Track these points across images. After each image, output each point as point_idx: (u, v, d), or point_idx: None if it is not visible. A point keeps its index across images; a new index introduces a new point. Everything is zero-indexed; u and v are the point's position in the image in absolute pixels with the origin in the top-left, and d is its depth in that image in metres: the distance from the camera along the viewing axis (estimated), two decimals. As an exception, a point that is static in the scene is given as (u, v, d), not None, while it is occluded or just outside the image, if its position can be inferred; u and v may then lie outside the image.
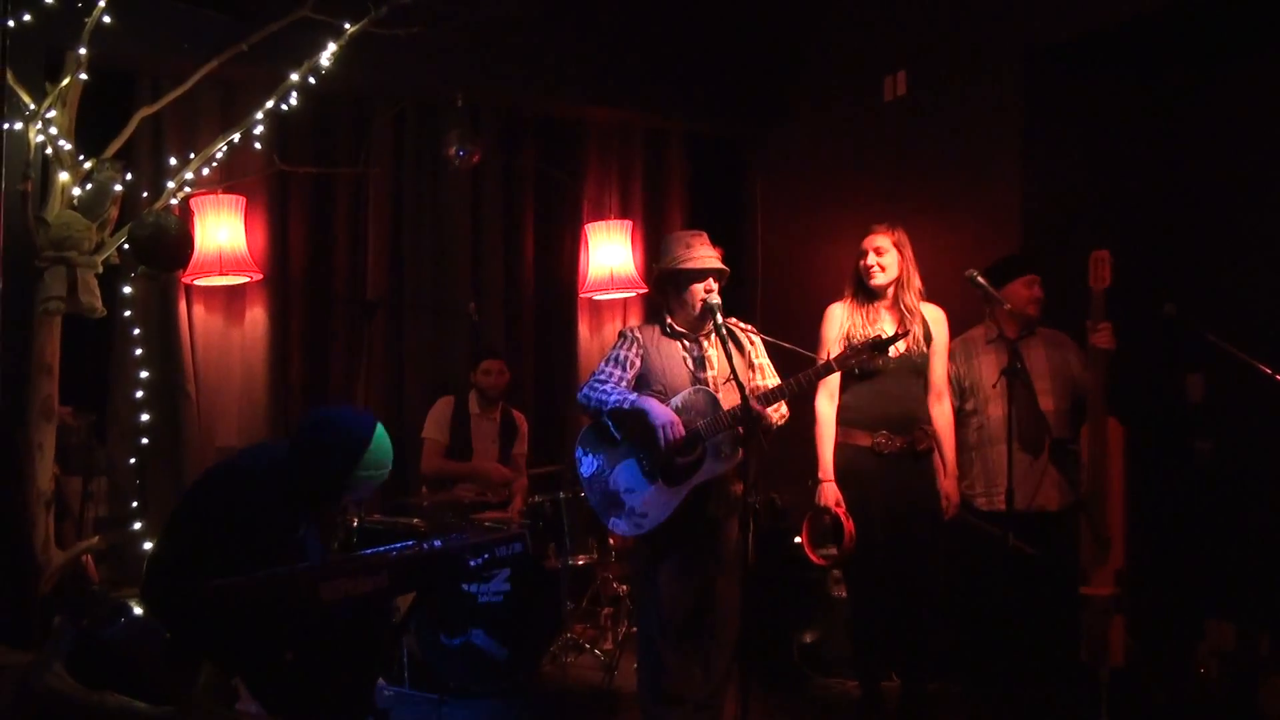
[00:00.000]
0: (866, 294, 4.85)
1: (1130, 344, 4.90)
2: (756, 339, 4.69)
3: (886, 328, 4.74)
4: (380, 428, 4.01)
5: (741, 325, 4.67)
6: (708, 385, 4.51)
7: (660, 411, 4.36)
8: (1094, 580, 4.67)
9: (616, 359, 4.61)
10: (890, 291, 4.83)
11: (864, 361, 4.40)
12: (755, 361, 4.66)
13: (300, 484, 3.98)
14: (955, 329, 5.03)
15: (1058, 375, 5.09)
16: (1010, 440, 4.52)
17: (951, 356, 5.03)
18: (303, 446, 4.01)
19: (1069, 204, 5.80)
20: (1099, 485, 4.72)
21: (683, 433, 4.34)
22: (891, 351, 4.56)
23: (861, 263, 4.82)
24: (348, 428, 3.99)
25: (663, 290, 4.70)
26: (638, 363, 4.59)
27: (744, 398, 4.16)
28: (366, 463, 3.95)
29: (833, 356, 4.40)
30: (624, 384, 4.54)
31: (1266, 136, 5.46)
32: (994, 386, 4.92)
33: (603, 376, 4.56)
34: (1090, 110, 5.84)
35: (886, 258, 4.78)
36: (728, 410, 4.36)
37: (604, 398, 4.47)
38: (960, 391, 5.20)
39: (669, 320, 4.65)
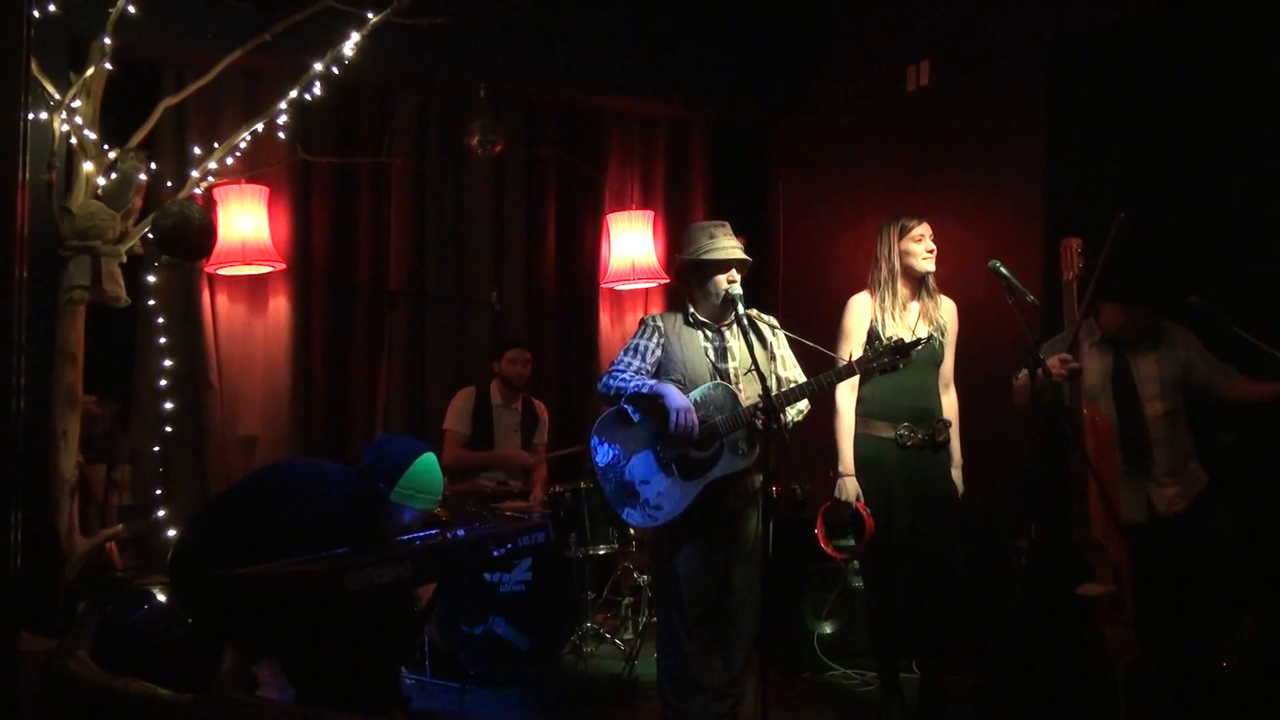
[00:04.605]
0: (911, 283, 4.83)
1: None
2: (779, 331, 4.69)
3: (911, 321, 4.76)
4: (431, 457, 4.08)
5: (764, 318, 4.67)
6: (729, 375, 4.52)
7: (676, 397, 4.36)
8: (1097, 577, 4.58)
9: (635, 348, 4.61)
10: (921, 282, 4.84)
11: (886, 365, 4.36)
12: (777, 353, 4.65)
13: (347, 500, 4.01)
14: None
15: (1166, 377, 4.79)
16: (1031, 448, 4.44)
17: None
18: (359, 461, 4.13)
19: (1092, 195, 5.76)
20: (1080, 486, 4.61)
21: (693, 421, 4.33)
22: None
23: (912, 250, 4.79)
24: (397, 448, 4.10)
25: (685, 280, 4.70)
26: (658, 351, 4.59)
27: (765, 389, 4.15)
28: (406, 483, 3.98)
29: (855, 359, 4.38)
30: (642, 373, 4.55)
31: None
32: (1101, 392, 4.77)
33: (620, 366, 4.57)
34: (1114, 100, 5.79)
35: (933, 245, 4.80)
36: (747, 407, 4.36)
37: (623, 385, 4.48)
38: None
39: (691, 310, 4.65)
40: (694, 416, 4.34)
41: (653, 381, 4.47)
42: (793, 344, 4.69)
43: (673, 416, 4.32)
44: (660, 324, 4.66)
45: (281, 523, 3.91)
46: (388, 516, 4.03)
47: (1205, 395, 4.80)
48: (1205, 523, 4.68)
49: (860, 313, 4.86)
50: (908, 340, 4.37)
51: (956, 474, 4.85)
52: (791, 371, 4.64)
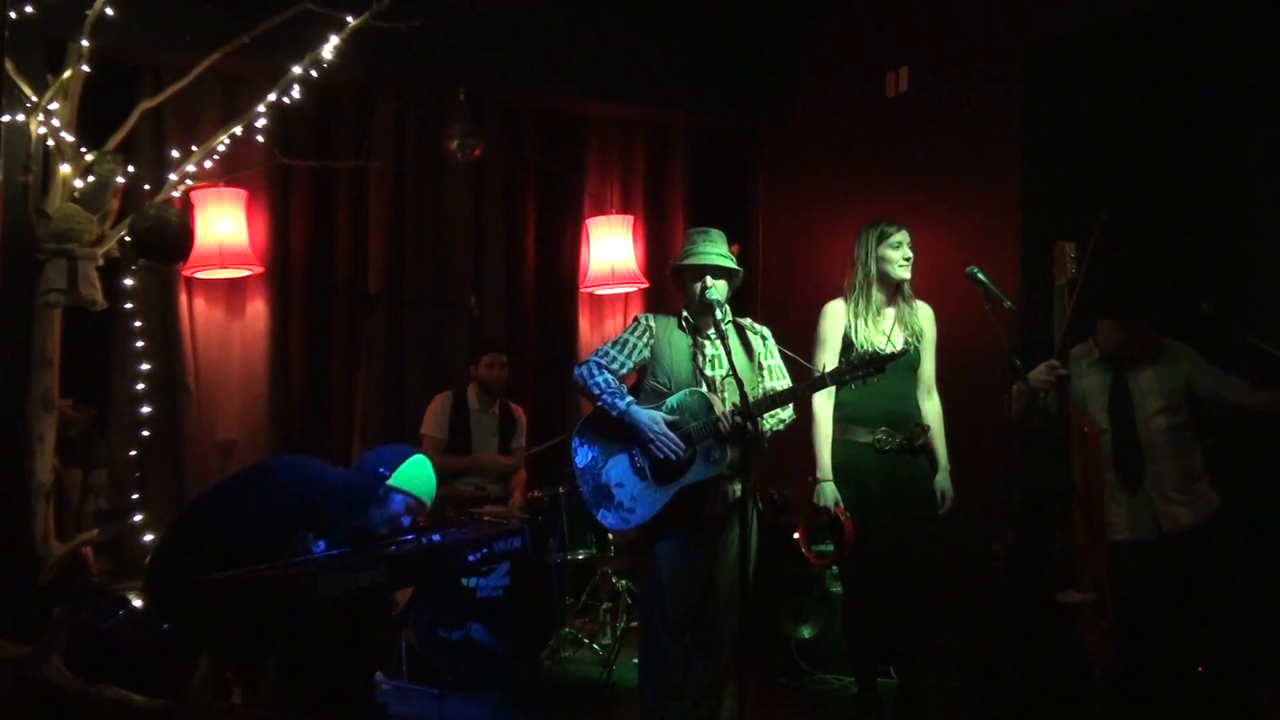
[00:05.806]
0: (886, 290, 4.83)
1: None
2: (770, 342, 4.70)
3: (886, 327, 4.77)
4: (425, 459, 4.25)
5: (755, 328, 4.70)
6: (712, 380, 4.54)
7: (649, 427, 4.42)
8: (1079, 585, 4.59)
9: (623, 343, 4.64)
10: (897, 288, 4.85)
11: (861, 376, 4.36)
12: (765, 363, 4.67)
13: (343, 485, 4.05)
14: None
15: (1167, 391, 4.75)
16: (1010, 455, 4.46)
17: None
18: (358, 460, 4.27)
19: (1070, 200, 5.78)
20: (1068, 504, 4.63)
21: (676, 444, 4.39)
22: (889, 350, 4.60)
23: (889, 256, 4.79)
24: (395, 448, 4.27)
25: (677, 285, 4.74)
26: (645, 351, 4.62)
27: (743, 395, 4.16)
28: (406, 469, 4.12)
29: (830, 370, 4.37)
30: (624, 370, 4.58)
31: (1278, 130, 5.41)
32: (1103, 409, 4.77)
33: (604, 360, 4.60)
34: (1093, 106, 5.82)
35: (910, 253, 4.80)
36: (722, 414, 4.38)
37: (598, 393, 4.52)
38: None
39: (685, 314, 4.68)
40: (673, 440, 4.40)
41: (623, 404, 4.48)
42: (784, 356, 4.71)
43: (656, 450, 4.41)
44: (652, 324, 4.68)
45: (266, 513, 3.92)
46: (381, 503, 4.09)
47: (1216, 407, 4.78)
48: (1216, 550, 4.70)
49: (834, 320, 4.86)
50: (883, 348, 4.38)
51: (944, 479, 4.85)
52: (778, 383, 4.65)
